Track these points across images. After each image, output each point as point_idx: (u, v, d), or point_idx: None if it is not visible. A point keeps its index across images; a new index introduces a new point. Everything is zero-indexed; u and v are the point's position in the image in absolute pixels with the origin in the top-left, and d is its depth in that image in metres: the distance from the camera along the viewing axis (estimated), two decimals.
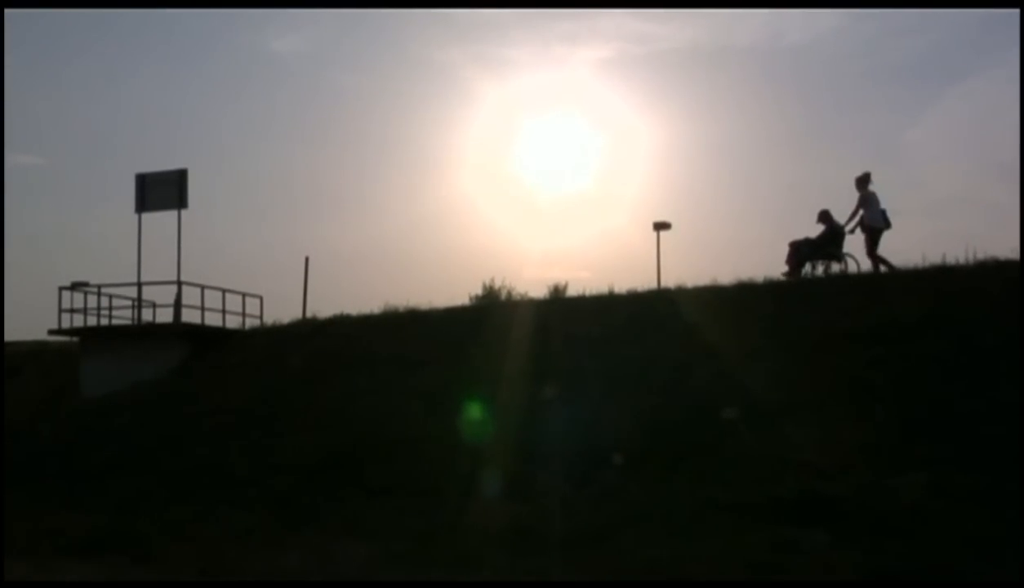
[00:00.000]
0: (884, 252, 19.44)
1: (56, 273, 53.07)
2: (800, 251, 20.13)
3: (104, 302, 24.18)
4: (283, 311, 25.58)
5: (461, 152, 64.09)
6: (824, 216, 20.21)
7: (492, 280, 29.27)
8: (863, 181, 19.67)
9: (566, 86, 64.06)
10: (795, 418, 13.51)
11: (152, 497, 15.95)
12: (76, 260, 54.84)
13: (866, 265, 19.54)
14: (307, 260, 26.09)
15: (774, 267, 20.12)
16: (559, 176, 60.21)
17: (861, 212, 19.55)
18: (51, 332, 24.24)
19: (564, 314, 19.45)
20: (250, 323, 24.72)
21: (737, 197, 60.21)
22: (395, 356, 19.23)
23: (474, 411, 15.81)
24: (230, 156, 65.55)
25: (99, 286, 24.22)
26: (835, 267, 20.03)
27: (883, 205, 19.59)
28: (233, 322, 24.43)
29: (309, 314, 24.52)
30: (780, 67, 63.31)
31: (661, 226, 24.00)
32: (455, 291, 36.83)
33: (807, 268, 20.18)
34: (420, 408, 16.50)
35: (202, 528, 14.08)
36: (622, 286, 20.42)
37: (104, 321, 24.18)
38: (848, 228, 19.84)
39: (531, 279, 56.78)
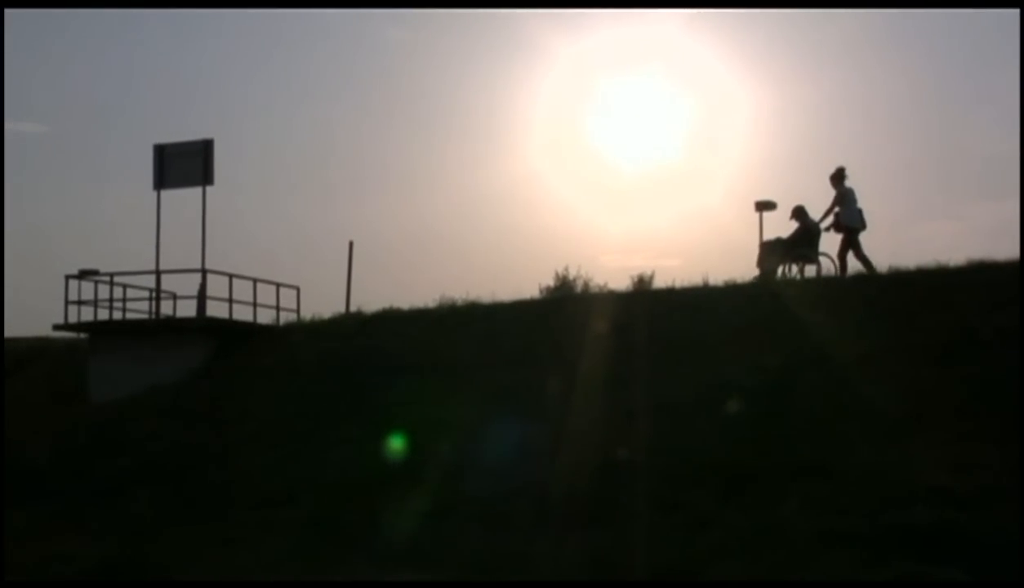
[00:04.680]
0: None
1: (62, 259, 53.82)
2: (773, 251, 21.13)
3: (117, 293, 24.52)
4: (323, 304, 25.91)
5: (529, 119, 64.25)
6: (798, 213, 21.37)
7: (566, 269, 29.48)
8: (838, 177, 20.96)
9: (651, 41, 63.77)
10: (927, 434, 13.38)
11: (172, 518, 16.17)
12: (85, 244, 55.65)
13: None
14: (351, 245, 26.34)
15: (900, 255, 20.27)
16: (643, 147, 60.05)
17: (837, 210, 20.77)
18: (56, 327, 24.59)
19: (650, 309, 19.42)
20: (285, 318, 24.97)
21: (854, 172, 59.27)
22: (453, 357, 19.33)
23: (545, 422, 15.81)
24: (261, 125, 66.25)
25: (111, 274, 24.54)
26: (809, 269, 21.20)
27: (860, 204, 20.86)
28: (265, 316, 24.70)
29: (353, 308, 24.74)
30: (908, 15, 62.33)
31: (764, 206, 23.81)
32: (523, 282, 37.03)
33: (781, 269, 21.26)
34: (482, 418, 16.55)
35: (230, 555, 14.25)
36: (718, 277, 20.46)
37: (117, 315, 24.53)
38: (823, 226, 21.07)
39: (611, 268, 56.77)
